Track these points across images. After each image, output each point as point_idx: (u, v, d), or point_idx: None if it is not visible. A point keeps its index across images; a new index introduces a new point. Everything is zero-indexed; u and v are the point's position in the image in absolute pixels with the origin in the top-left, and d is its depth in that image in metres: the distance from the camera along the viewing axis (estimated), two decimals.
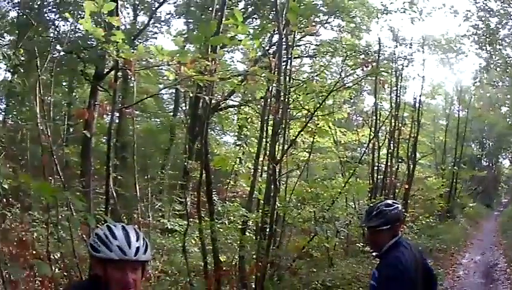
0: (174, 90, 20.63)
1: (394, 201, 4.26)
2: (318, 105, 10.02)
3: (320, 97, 10.21)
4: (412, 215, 18.25)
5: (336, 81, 10.68)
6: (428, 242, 16.27)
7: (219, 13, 8.92)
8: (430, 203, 22.55)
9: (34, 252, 8.25)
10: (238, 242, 8.92)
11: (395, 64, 16.29)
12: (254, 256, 8.64)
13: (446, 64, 26.25)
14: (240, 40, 9.20)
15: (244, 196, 13.45)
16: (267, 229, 8.74)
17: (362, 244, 12.61)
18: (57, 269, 7.42)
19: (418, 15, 17.54)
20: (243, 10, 13.89)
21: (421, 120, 20.08)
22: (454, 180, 28.81)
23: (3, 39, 17.98)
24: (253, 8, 16.61)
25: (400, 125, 16.75)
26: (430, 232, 18.77)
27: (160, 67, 9.99)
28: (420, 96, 20.07)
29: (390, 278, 3.71)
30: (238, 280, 8.66)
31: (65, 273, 7.23)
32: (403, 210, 4.39)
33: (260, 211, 9.09)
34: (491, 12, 18.30)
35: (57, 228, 6.98)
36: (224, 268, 8.67)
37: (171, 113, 23.43)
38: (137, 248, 2.43)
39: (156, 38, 19.33)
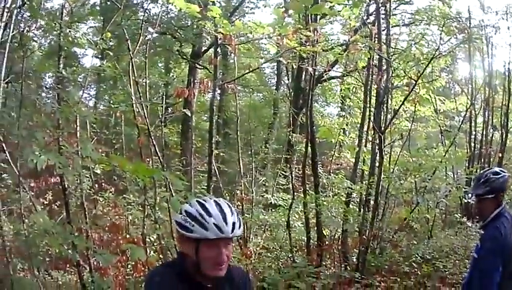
0: (275, 64, 20.56)
1: (502, 169, 4.05)
2: (420, 73, 9.75)
3: (421, 65, 9.98)
4: None
5: (435, 48, 10.23)
6: None
7: None
8: None
9: (127, 236, 8.20)
10: (342, 215, 8.78)
11: (484, 32, 15.43)
12: (357, 229, 8.53)
13: None
14: (340, 11, 9.03)
15: (348, 167, 13.27)
16: (372, 201, 8.63)
17: (460, 215, 12.11)
18: (152, 252, 7.45)
19: None
20: None
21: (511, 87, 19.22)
22: None
23: (87, 25, 18.27)
24: None
25: (493, 93, 15.92)
26: None
27: (260, 41, 9.95)
28: (509, 64, 19.16)
29: (490, 251, 3.65)
30: (341, 254, 8.56)
31: (161, 256, 7.20)
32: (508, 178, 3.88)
33: (365, 182, 9.04)
34: None
35: (155, 209, 6.92)
36: (326, 242, 8.58)
37: (274, 87, 23.38)
38: (234, 224, 2.31)
39: (253, 13, 19.02)
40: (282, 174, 13.10)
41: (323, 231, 8.72)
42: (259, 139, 18.62)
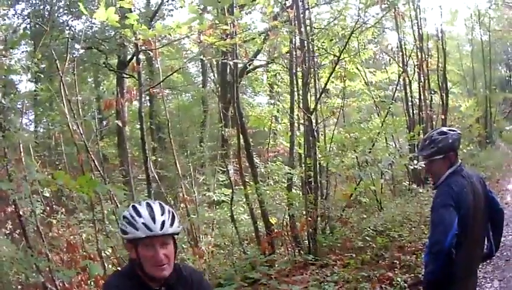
0: (200, 62, 20.48)
1: (451, 129, 3.94)
2: (342, 48, 9.71)
3: (344, 40, 9.98)
4: None
5: (355, 21, 10.28)
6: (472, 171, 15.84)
7: None
8: (469, 130, 22.23)
9: (84, 253, 8.21)
10: (286, 201, 8.75)
11: None
12: (304, 212, 8.40)
13: None
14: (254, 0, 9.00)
15: (285, 153, 13.28)
16: (312, 182, 8.52)
17: (408, 182, 12.44)
18: (109, 265, 7.40)
19: None
20: None
21: (446, 48, 19.49)
22: (488, 104, 28.09)
23: (19, 51, 18.11)
24: None
25: (427, 56, 16.25)
26: (473, 161, 18.41)
27: (181, 42, 9.79)
28: (441, 25, 19.50)
29: (441, 205, 3.58)
30: (291, 239, 8.49)
31: (118, 268, 7.11)
32: (459, 136, 3.85)
33: (303, 165, 8.91)
34: None
35: (104, 223, 7.00)
36: (275, 230, 8.51)
37: (201, 85, 23.32)
38: (163, 222, 2.36)
39: (171, 15, 18.95)
40: (221, 170, 12.97)
41: (271, 219, 8.64)
42: (194, 138, 18.48)
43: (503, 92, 37.16)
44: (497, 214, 3.96)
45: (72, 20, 17.02)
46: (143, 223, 2.34)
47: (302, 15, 9.25)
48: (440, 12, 19.70)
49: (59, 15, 17.10)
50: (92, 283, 7.13)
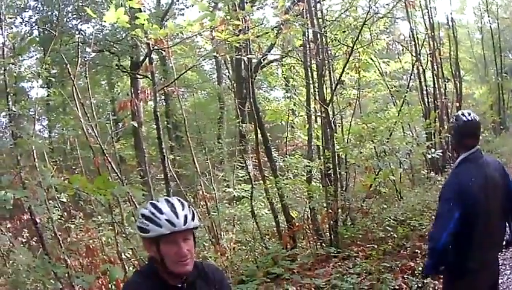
0: (214, 59, 20.58)
1: (467, 112, 3.80)
2: (355, 39, 9.68)
3: (357, 31, 9.91)
4: None
5: (367, 12, 10.22)
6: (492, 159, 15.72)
7: None
8: (483, 117, 22.14)
9: (104, 257, 8.16)
10: (306, 194, 8.74)
11: None
12: (324, 204, 8.39)
13: None
14: None
15: (304, 146, 13.24)
16: (332, 174, 8.49)
17: (426, 171, 12.45)
18: (130, 267, 7.37)
19: None
20: None
21: (457, 36, 19.47)
22: (501, 91, 27.84)
23: (29, 58, 18.28)
24: None
25: (439, 45, 16.27)
26: (488, 147, 18.26)
27: (194, 39, 9.79)
28: (451, 13, 19.49)
29: (444, 198, 3.56)
30: (313, 232, 8.47)
31: (139, 269, 7.12)
32: (476, 121, 3.70)
33: (322, 157, 8.92)
34: None
35: (123, 225, 6.96)
36: (296, 224, 8.47)
37: (216, 82, 23.39)
38: (185, 216, 2.35)
39: (183, 14, 19.04)
40: (240, 165, 12.95)
41: (292, 213, 8.65)
42: (212, 135, 18.54)
43: None
44: None
45: (81, 24, 17.16)
46: (166, 219, 2.32)
47: (313, 8, 9.22)
48: (449, 0, 19.68)
49: (68, 20, 17.27)
50: (113, 287, 7.17)
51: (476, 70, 27.51)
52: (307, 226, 8.60)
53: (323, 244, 8.09)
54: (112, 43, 16.99)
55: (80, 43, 9.95)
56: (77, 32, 16.74)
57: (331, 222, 8.07)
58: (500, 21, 30.66)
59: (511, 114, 31.12)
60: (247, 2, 8.88)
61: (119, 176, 7.26)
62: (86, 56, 13.32)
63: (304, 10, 8.96)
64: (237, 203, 11.90)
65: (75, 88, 7.18)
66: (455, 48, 18.39)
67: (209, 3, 9.87)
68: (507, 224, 3.77)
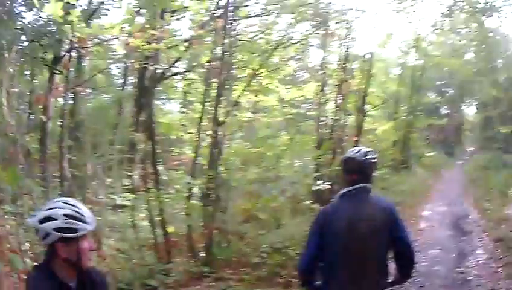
0: (124, 65, 21.03)
1: (354, 150, 4.30)
2: (262, 63, 10.89)
3: (265, 55, 11.04)
4: None
5: (281, 37, 11.39)
6: (383, 195, 16.87)
7: None
8: (382, 154, 23.40)
9: (8, 245, 8.58)
10: (185, 211, 9.55)
11: (346, 16, 16.66)
12: (201, 224, 9.27)
13: (402, 12, 27.01)
14: (186, 7, 9.70)
15: (190, 163, 13.98)
16: (212, 195, 9.42)
17: (311, 202, 13.08)
18: (28, 260, 7.57)
19: None
20: None
21: (371, 71, 20.76)
22: (409, 129, 30.02)
23: None
24: None
25: (349, 77, 17.06)
26: (384, 184, 19.60)
27: (110, 42, 10.45)
28: (371, 46, 20.81)
29: (311, 228, 4.08)
30: (188, 249, 9.28)
31: (35, 263, 7.57)
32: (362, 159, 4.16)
33: (205, 176, 9.72)
34: None
35: (23, 217, 7.18)
36: (173, 239, 9.26)
37: (120, 88, 23.78)
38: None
39: (106, 15, 19.44)
40: (127, 174, 13.60)
41: (169, 228, 9.36)
42: (107, 141, 18.97)
43: (430, 118, 39.40)
44: (403, 247, 4.10)
45: (25, 12, 17.28)
46: (88, 216, 2.63)
47: (229, 26, 10.08)
48: (373, 34, 21.09)
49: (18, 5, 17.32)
50: (15, 276, 7.70)
51: (385, 106, 29.12)
52: (183, 243, 9.39)
53: (197, 262, 8.89)
54: (44, 35, 17.22)
55: (19, 31, 10.25)
56: (18, 19, 16.89)
57: (206, 242, 9.00)
58: (428, 58, 32.64)
59: (417, 153, 33.45)
60: (167, 12, 9.61)
61: (25, 168, 7.56)
62: (19, 44, 13.65)
63: (219, 27, 9.73)
64: (119, 211, 12.56)
65: (7, 75, 7.55)
66: (366, 82, 19.81)
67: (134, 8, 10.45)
68: (397, 264, 4.13)
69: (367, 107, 21.30)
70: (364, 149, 4.26)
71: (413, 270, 4.21)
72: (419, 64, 32.32)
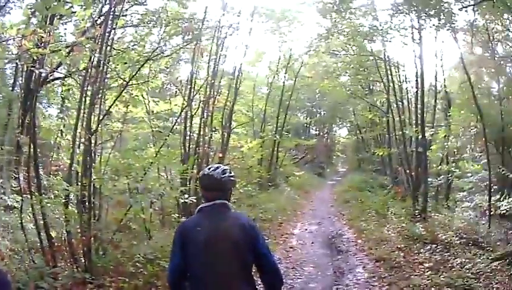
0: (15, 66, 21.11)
1: (210, 167, 4.75)
2: (133, 74, 11.71)
3: (137, 66, 11.89)
4: None
5: (154, 49, 12.36)
6: (250, 212, 18.35)
7: None
8: (248, 171, 25.29)
9: None
10: (64, 217, 10.12)
11: (219, 33, 17.96)
12: (79, 230, 9.95)
13: (276, 32, 28.66)
14: (74, 12, 10.39)
15: (65, 169, 14.49)
16: (87, 202, 10.19)
17: (178, 215, 14.14)
18: None
19: None
20: None
21: (239, 88, 22.31)
22: (276, 148, 31.82)
23: None
24: None
25: (216, 93, 18.40)
26: (251, 201, 21.09)
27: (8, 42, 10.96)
28: (241, 64, 22.17)
29: (172, 244, 4.52)
30: (69, 255, 9.86)
31: None
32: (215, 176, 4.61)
33: (79, 184, 10.37)
34: None
35: None
36: (56, 243, 9.85)
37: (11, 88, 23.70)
38: None
39: (10, 13, 19.47)
40: (14, 176, 14.04)
41: (53, 232, 9.93)
42: None
43: (298, 138, 41.73)
44: (267, 264, 4.53)
45: None
46: None
47: (107, 34, 10.91)
48: (244, 52, 21.98)
49: None
50: None
51: (252, 124, 30.62)
52: (65, 248, 9.99)
53: (79, 268, 9.52)
54: None
55: None
56: None
57: (85, 249, 9.72)
58: (299, 79, 34.59)
59: (284, 172, 35.29)
60: (57, 16, 10.21)
61: None
62: None
63: (98, 35, 10.44)
64: (11, 212, 12.99)
65: None
66: (233, 99, 21.08)
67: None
68: (263, 282, 4.57)
69: (233, 124, 22.76)
70: (222, 167, 4.72)
71: (282, 287, 4.65)
72: (290, 84, 34.08)
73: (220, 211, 4.51)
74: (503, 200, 15.45)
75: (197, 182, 12.47)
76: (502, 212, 15.34)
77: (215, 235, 4.34)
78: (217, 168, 4.68)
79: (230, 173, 4.70)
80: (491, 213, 16.31)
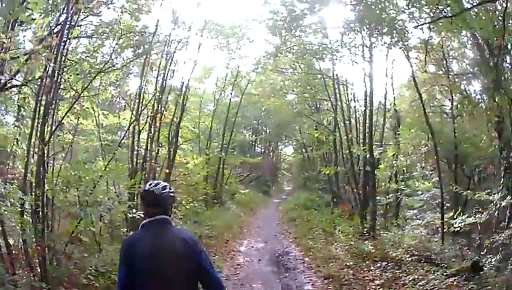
0: None
1: (152, 183, 4.96)
2: (85, 86, 12.07)
3: (88, 78, 12.26)
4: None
5: (105, 62, 12.73)
6: (196, 229, 18.55)
7: None
8: (194, 188, 25.53)
9: None
10: (20, 225, 10.28)
11: (169, 47, 18.27)
12: (34, 240, 10.16)
13: (225, 49, 29.11)
14: (34, 18, 10.56)
15: (20, 178, 14.57)
16: (40, 213, 10.39)
17: (126, 229, 14.48)
18: None
19: None
20: None
21: (186, 104, 22.56)
22: (221, 165, 32.37)
23: None
24: None
25: (163, 109, 18.65)
26: (197, 218, 21.38)
27: None
28: (189, 80, 22.53)
29: (119, 259, 4.66)
30: (26, 264, 10.07)
31: None
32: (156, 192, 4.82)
33: (33, 194, 10.57)
34: None
35: None
36: (15, 251, 10.07)
37: None
38: None
39: None
40: None
41: (10, 240, 10.10)
42: None
43: (243, 156, 42.35)
44: (210, 279, 4.74)
45: None
46: None
47: (63, 44, 11.10)
48: (192, 68, 22.15)
49: None
50: None
51: (198, 141, 31.14)
52: (21, 257, 10.20)
53: (35, 277, 9.72)
54: None
55: None
56: None
57: (40, 259, 9.94)
58: (246, 96, 35.53)
59: (230, 189, 35.70)
60: (18, 23, 10.40)
61: None
62: None
63: (54, 44, 10.55)
64: None
65: None
66: (180, 115, 21.30)
67: None
68: None
69: (180, 140, 23.03)
70: (162, 183, 4.92)
71: None
72: (236, 101, 34.75)
73: (162, 226, 4.72)
74: (456, 217, 15.94)
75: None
76: (456, 229, 15.85)
77: (159, 248, 4.53)
78: (157, 184, 4.89)
79: (170, 189, 4.93)
80: (444, 230, 16.92)
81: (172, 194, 4.92)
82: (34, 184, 10.72)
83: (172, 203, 4.99)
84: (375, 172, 22.46)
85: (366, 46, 21.86)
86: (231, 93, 35.45)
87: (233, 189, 37.62)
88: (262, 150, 59.56)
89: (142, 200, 4.99)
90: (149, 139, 17.57)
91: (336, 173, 30.27)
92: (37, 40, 10.71)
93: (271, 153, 61.03)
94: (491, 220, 15.41)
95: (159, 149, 19.41)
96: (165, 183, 4.95)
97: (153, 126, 17.73)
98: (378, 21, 17.98)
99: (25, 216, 10.56)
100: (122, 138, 16.87)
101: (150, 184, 4.90)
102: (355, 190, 23.66)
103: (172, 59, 18.88)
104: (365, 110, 23.45)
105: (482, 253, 14.40)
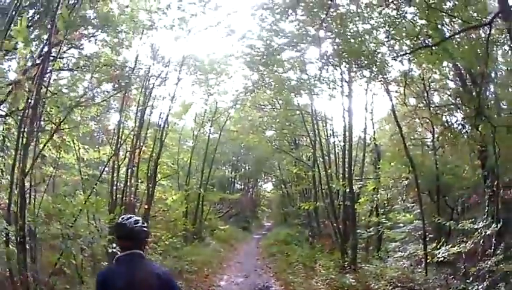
0: None
1: (125, 217, 5.14)
2: (63, 119, 12.56)
3: (68, 111, 12.74)
4: (155, 235, 20.84)
5: (81, 95, 13.34)
6: (176, 264, 18.88)
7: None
8: (174, 224, 25.89)
9: None
10: (6, 255, 10.70)
11: (148, 83, 18.90)
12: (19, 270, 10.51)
13: (204, 84, 29.59)
14: (16, 49, 11.03)
15: (5, 208, 14.91)
16: (23, 244, 10.71)
17: (107, 262, 14.36)
18: None
19: (185, 33, 20.00)
20: (29, 17, 15.18)
21: (164, 140, 22.94)
22: (200, 201, 32.81)
23: None
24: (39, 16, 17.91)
25: (142, 144, 19.21)
26: (176, 253, 21.68)
27: None
28: (167, 116, 22.90)
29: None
30: None
31: None
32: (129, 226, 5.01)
33: (17, 224, 10.88)
34: (281, 33, 21.19)
35: None
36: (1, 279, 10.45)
37: None
38: None
39: None
40: None
41: None
42: None
43: (222, 192, 42.73)
44: None
45: None
46: None
47: (44, 75, 11.58)
48: (171, 104, 22.44)
49: None
50: None
51: (176, 177, 31.39)
52: (8, 285, 10.45)
53: None
54: None
55: None
56: None
57: (23, 288, 10.32)
58: (225, 133, 36.21)
59: (209, 225, 36.00)
60: (2, 52, 10.88)
61: None
62: None
63: (36, 75, 11.03)
64: None
65: None
66: (158, 151, 21.72)
67: None
68: None
69: (158, 176, 23.42)
70: (135, 217, 5.07)
71: None
72: (215, 137, 35.39)
73: (136, 260, 4.88)
74: (440, 248, 16.29)
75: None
76: (440, 259, 16.11)
77: (133, 281, 4.69)
78: (130, 218, 5.05)
79: (143, 223, 5.08)
80: (428, 261, 17.05)
81: (144, 229, 5.08)
82: (18, 215, 10.97)
83: (146, 238, 5.18)
84: (355, 206, 22.87)
85: (345, 81, 22.25)
86: (210, 130, 35.95)
87: (212, 225, 37.94)
88: (242, 187, 60.08)
89: (115, 233, 5.26)
90: (128, 174, 18.02)
91: (315, 208, 30.49)
92: (21, 70, 11.21)
93: (250, 190, 61.56)
94: (476, 249, 15.63)
95: (137, 185, 19.84)
96: (138, 218, 5.12)
97: (131, 161, 18.17)
98: (358, 54, 18.21)
99: (10, 246, 10.90)
100: (102, 172, 17.23)
101: (123, 218, 5.09)
102: (335, 225, 23.91)
103: (151, 94, 19.47)
104: (344, 145, 23.80)
105: (468, 281, 14.69)
